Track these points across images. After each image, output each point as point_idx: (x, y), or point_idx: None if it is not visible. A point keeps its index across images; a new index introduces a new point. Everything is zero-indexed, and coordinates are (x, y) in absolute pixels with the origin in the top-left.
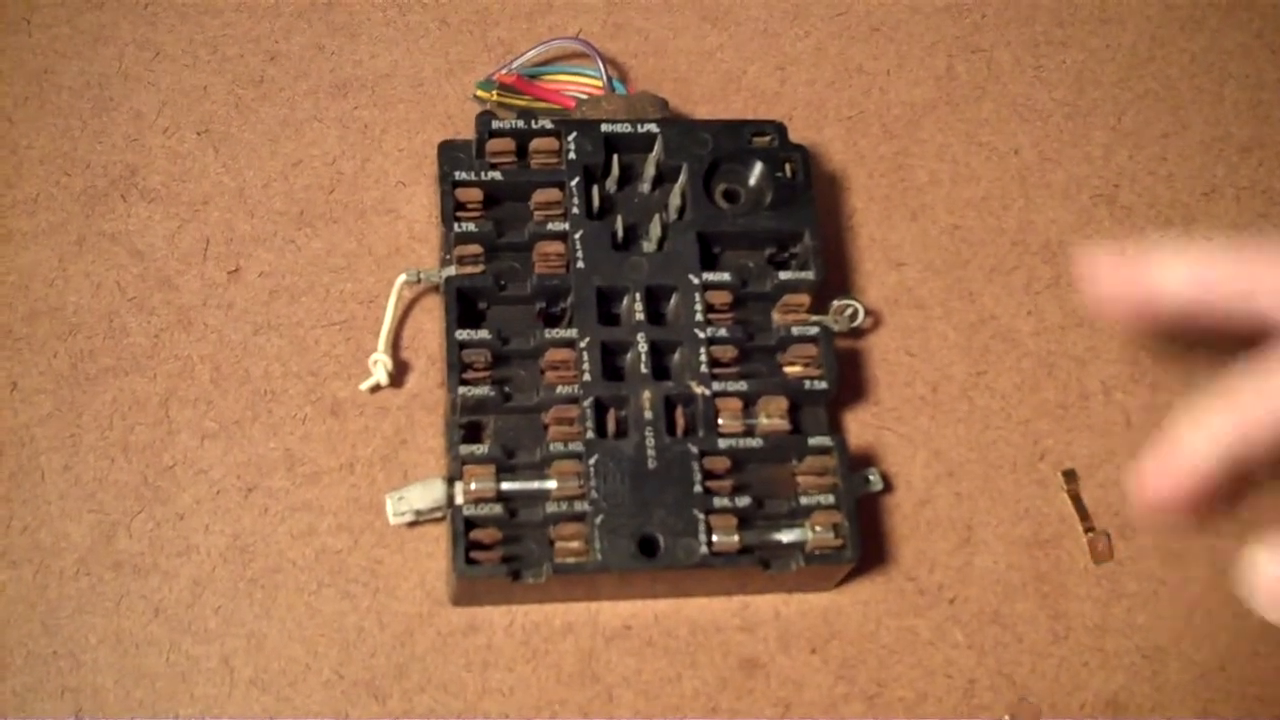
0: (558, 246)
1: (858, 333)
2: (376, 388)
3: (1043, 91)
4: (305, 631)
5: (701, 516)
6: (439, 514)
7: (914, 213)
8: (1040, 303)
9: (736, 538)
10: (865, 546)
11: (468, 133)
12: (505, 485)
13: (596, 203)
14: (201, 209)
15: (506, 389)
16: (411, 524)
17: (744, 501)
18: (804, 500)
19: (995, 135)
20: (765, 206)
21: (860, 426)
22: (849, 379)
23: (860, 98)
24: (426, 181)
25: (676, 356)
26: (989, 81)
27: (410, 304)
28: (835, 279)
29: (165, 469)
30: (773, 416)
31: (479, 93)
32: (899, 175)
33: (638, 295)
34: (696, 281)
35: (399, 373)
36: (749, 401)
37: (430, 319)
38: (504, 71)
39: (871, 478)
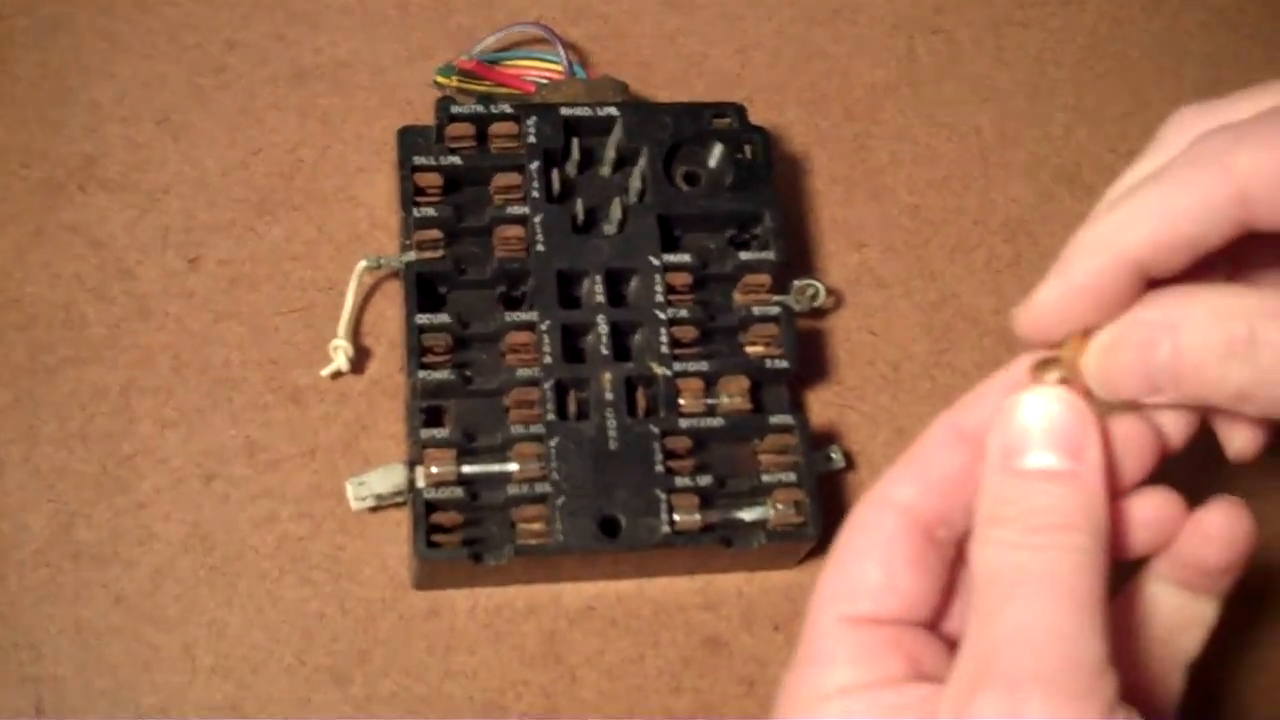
0: (518, 230)
1: (819, 313)
2: (337, 374)
3: (1003, 72)
4: (267, 618)
5: (663, 496)
6: (400, 499)
7: (875, 193)
8: (1001, 281)
9: (698, 517)
10: (827, 524)
11: (428, 119)
12: (466, 468)
13: (557, 186)
14: (161, 198)
15: (467, 373)
16: (373, 509)
17: (705, 481)
18: (765, 478)
19: (956, 116)
20: (726, 188)
21: (822, 406)
22: (811, 359)
23: (821, 80)
24: (387, 168)
25: (637, 338)
26: (950, 63)
27: (371, 290)
28: (797, 260)
29: (125, 458)
30: (734, 396)
31: (439, 79)
32: (860, 156)
33: (598, 277)
34: (657, 263)
35: (360, 359)
36: (710, 381)
37: (391, 305)
38: (464, 57)
39: (833, 455)
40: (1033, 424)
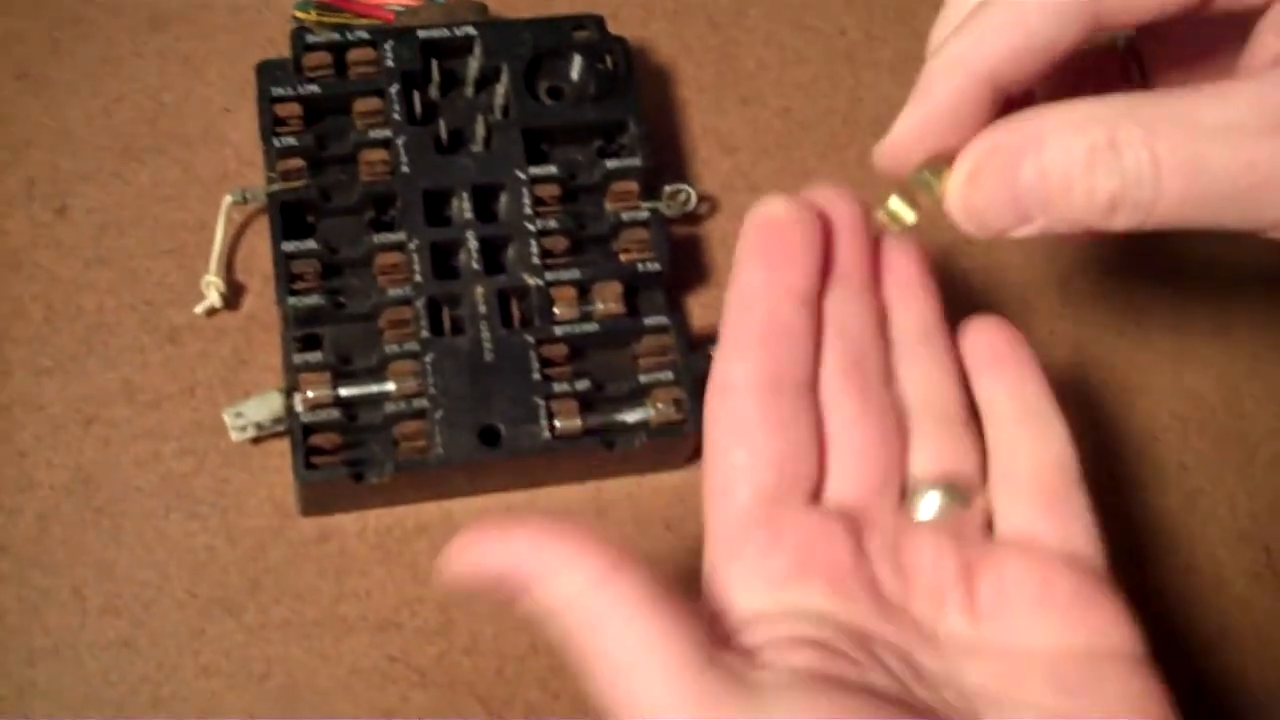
0: (381, 154)
1: (695, 218)
2: (212, 311)
3: None
4: (155, 555)
5: (542, 403)
6: (281, 427)
7: (744, 99)
8: (874, 178)
9: (579, 421)
10: None
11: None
12: (343, 391)
13: (419, 109)
14: (24, 151)
15: (340, 299)
16: (255, 440)
17: (584, 385)
18: (644, 379)
19: (821, 19)
20: (589, 99)
21: (703, 309)
22: (690, 264)
23: None
24: (251, 107)
25: (510, 252)
26: None
27: (242, 227)
28: (670, 169)
29: (2, 408)
30: (608, 301)
31: (297, 14)
32: (727, 64)
33: (465, 195)
34: (524, 177)
35: (235, 295)
36: (584, 289)
37: (263, 240)
38: None
39: (713, 355)
40: None
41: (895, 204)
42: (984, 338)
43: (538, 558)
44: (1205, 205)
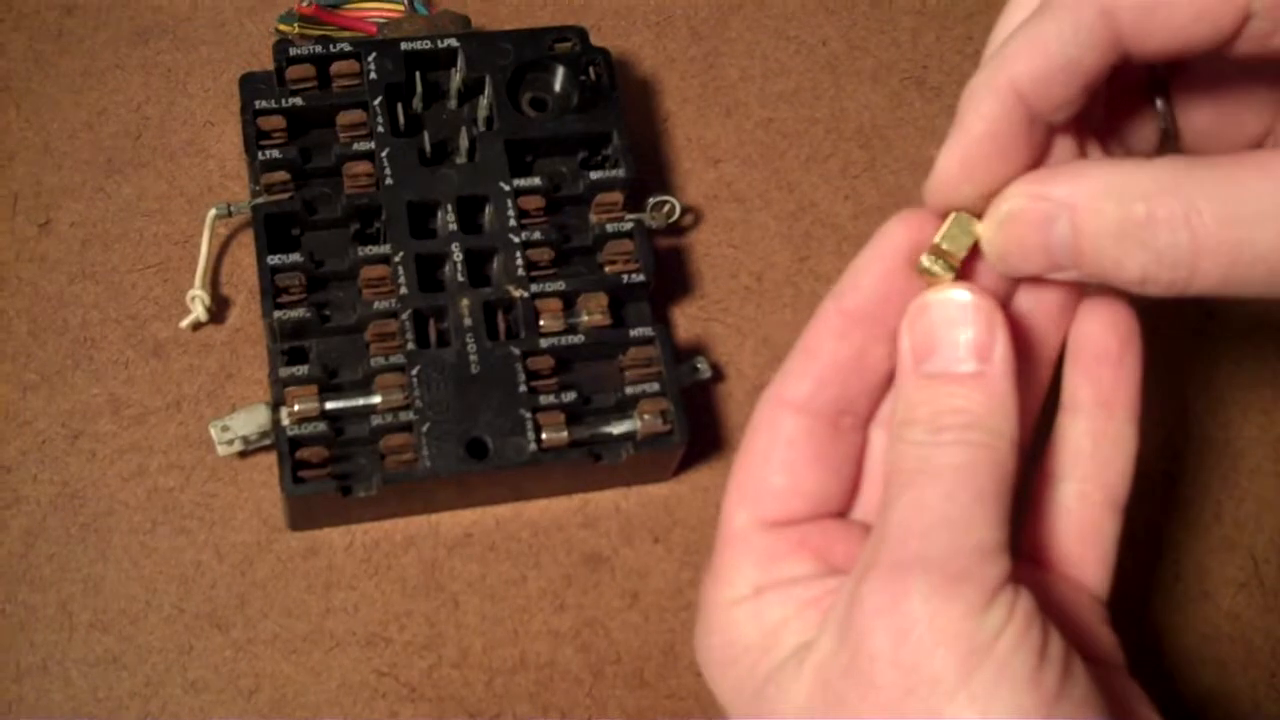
0: (365, 166)
1: (679, 230)
2: (197, 325)
3: None
4: (142, 571)
5: (528, 415)
6: (268, 440)
7: (727, 110)
8: (857, 186)
9: (565, 433)
10: (701, 434)
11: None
12: (330, 404)
13: (402, 121)
14: (7, 165)
15: (326, 312)
16: (242, 454)
17: (570, 397)
18: (630, 391)
19: (803, 29)
20: (572, 111)
21: (689, 320)
22: (674, 275)
23: (666, 3)
24: (235, 120)
25: (495, 264)
26: None
27: (227, 240)
28: (654, 180)
29: None
30: (593, 313)
31: (280, 27)
32: (710, 75)
33: (449, 206)
34: (508, 188)
35: (221, 309)
36: (569, 301)
37: (248, 254)
38: (304, 3)
39: (699, 366)
40: (939, 327)
41: (927, 262)
42: (1097, 327)
43: None
44: (1246, 284)
